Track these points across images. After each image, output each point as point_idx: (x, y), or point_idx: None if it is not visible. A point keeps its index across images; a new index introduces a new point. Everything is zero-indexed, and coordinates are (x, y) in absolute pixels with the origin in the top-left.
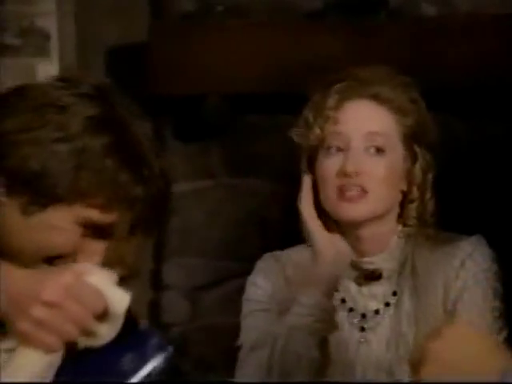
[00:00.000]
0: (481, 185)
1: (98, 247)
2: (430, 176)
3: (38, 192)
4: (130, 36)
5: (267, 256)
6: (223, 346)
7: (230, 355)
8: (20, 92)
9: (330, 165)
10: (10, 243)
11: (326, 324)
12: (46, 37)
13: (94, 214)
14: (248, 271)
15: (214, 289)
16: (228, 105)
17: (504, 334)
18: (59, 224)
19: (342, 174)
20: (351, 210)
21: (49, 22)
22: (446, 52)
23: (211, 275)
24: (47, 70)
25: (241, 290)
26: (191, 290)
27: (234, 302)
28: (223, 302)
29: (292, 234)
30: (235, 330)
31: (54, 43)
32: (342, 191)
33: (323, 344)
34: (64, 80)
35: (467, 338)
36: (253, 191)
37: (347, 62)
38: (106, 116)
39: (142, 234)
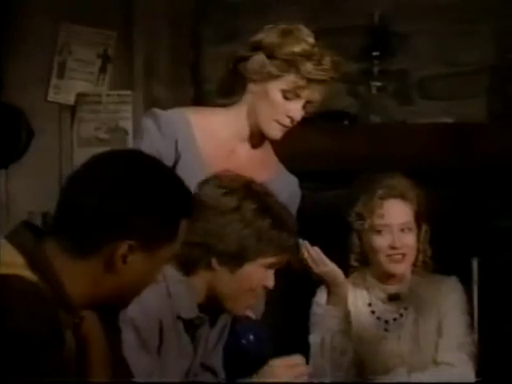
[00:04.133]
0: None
1: (273, 276)
2: (428, 235)
3: (237, 258)
4: None
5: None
6: None
7: None
8: (199, 202)
9: (381, 242)
10: (223, 293)
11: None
12: (125, 133)
13: (274, 259)
14: None
15: None
16: None
17: (473, 336)
18: (254, 272)
19: (392, 247)
20: (397, 268)
21: (127, 124)
22: (387, 147)
23: None
24: None
25: None
26: None
27: None
28: None
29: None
30: None
31: (130, 138)
32: (390, 256)
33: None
34: (223, 186)
35: None
36: None
37: (326, 151)
38: (263, 204)
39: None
